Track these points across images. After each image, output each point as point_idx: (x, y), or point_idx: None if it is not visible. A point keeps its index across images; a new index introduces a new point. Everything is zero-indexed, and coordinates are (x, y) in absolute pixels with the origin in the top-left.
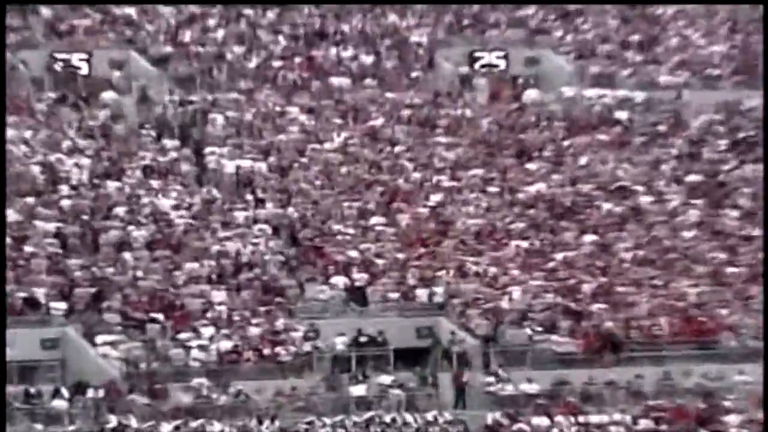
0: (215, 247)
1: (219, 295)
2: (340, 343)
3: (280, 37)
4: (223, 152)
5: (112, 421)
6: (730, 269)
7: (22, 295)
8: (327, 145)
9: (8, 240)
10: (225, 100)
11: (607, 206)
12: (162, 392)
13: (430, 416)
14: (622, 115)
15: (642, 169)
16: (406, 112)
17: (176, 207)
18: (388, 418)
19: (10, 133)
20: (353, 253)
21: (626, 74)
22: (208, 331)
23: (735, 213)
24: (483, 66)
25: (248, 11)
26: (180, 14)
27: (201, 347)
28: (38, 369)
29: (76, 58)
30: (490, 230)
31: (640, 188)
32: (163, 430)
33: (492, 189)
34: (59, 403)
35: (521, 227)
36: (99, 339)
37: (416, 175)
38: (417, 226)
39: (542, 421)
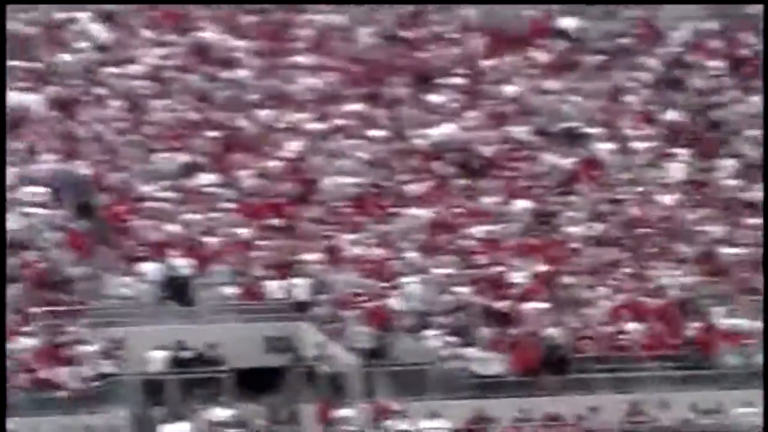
0: None
1: None
2: (154, 361)
3: None
4: None
5: None
6: (728, 250)
7: None
8: (131, 68)
9: None
10: None
11: (548, 159)
12: None
13: None
14: (568, 23)
15: (599, 103)
16: (247, 19)
17: None
18: None
19: None
20: (172, 228)
21: None
22: None
23: (733, 165)
24: None
25: None
26: None
27: None
28: None
29: None
30: (375, 193)
31: (596, 132)
32: None
33: (376, 133)
34: None
35: (416, 189)
36: None
37: (264, 113)
38: (266, 187)
39: None
